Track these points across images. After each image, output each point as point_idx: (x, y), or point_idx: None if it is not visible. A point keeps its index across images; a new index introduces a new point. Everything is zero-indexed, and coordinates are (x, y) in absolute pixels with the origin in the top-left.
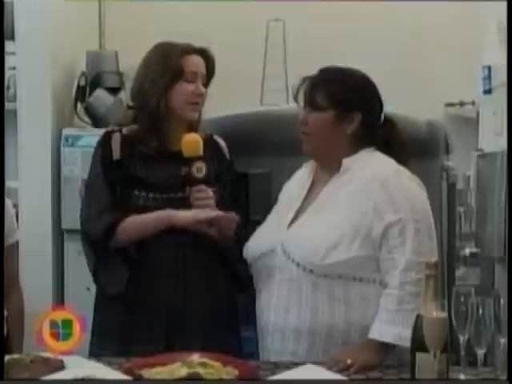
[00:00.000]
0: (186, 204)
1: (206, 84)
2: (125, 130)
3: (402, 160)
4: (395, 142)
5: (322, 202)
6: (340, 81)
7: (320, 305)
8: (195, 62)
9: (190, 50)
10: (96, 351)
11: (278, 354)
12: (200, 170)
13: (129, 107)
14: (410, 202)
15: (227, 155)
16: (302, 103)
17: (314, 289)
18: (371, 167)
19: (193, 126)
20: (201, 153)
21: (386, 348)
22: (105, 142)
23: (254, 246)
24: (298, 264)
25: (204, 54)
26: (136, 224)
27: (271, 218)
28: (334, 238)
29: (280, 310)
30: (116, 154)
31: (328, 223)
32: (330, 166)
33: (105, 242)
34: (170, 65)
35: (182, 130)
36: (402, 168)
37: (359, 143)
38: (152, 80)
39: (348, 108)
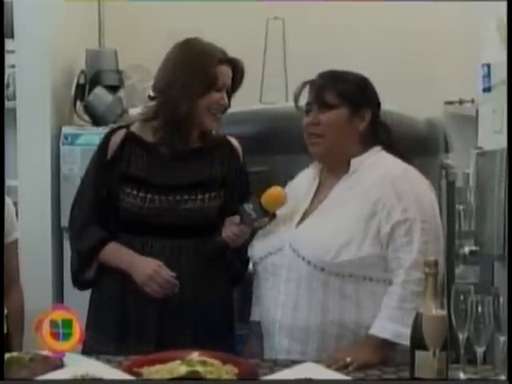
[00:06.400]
0: (186, 207)
1: (230, 94)
2: (133, 128)
3: (404, 158)
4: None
5: (331, 202)
6: (346, 79)
7: (330, 303)
8: (227, 73)
9: (224, 59)
10: (89, 343)
11: (285, 353)
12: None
13: (150, 98)
14: (417, 201)
15: (241, 157)
16: (303, 107)
17: (324, 287)
18: (380, 167)
19: (206, 130)
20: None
21: (385, 346)
22: (104, 142)
23: (259, 244)
24: (309, 262)
25: (235, 64)
26: (112, 257)
27: (277, 218)
28: (344, 237)
29: (288, 308)
30: (111, 152)
31: (338, 222)
32: (337, 166)
33: (89, 258)
34: (206, 74)
35: (196, 132)
36: (410, 167)
37: (368, 142)
38: (185, 83)
39: (359, 105)
